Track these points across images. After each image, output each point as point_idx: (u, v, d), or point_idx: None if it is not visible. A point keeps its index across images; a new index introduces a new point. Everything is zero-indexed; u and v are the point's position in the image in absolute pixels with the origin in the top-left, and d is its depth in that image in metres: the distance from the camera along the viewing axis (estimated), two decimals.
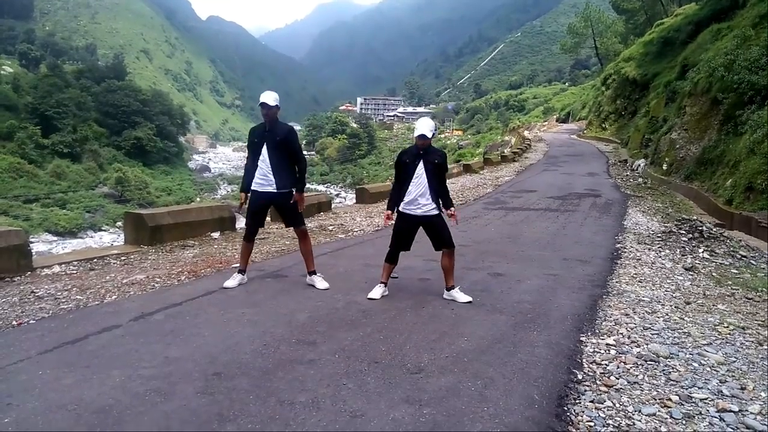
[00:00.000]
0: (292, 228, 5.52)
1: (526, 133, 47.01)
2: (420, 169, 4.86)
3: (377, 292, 5.02)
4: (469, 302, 4.91)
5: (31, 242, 6.42)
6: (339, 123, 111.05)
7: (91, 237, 48.50)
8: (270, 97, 5.08)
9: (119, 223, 49.05)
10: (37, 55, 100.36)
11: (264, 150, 5.16)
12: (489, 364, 3.58)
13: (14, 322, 4.28)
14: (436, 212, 4.95)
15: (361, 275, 5.86)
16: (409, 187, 4.89)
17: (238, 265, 5.60)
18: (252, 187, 5.29)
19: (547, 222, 10.01)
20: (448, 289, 5.05)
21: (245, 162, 5.44)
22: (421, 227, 5.02)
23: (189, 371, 3.35)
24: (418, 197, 4.87)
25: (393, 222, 5.09)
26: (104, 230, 51.47)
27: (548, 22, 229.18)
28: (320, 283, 5.36)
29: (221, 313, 4.48)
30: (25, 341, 3.82)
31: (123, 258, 7.01)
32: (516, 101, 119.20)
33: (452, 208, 5.07)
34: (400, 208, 5.00)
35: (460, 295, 4.99)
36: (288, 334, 4.05)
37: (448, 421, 2.82)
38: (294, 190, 5.27)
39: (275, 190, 5.20)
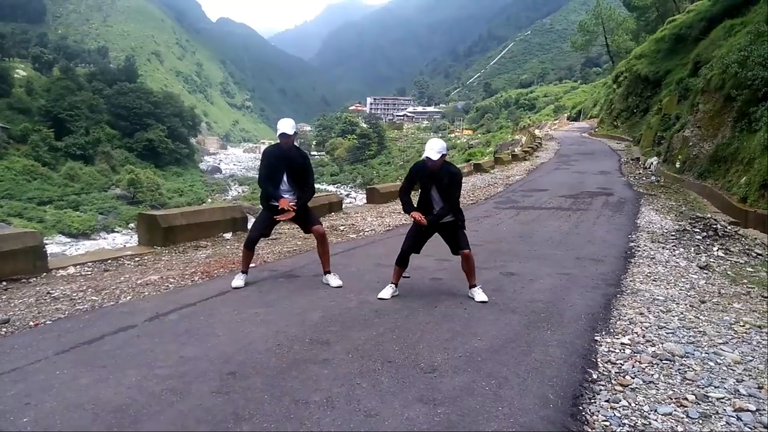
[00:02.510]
0: (312, 232, 5.59)
1: (536, 131, 46.84)
2: (433, 191, 4.95)
3: (387, 292, 5.04)
4: (484, 302, 4.92)
5: (45, 244, 6.48)
6: (349, 123, 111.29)
7: (104, 238, 48.97)
8: (288, 126, 5.25)
9: (132, 225, 49.40)
10: (50, 59, 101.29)
11: (284, 175, 5.36)
12: (503, 363, 3.57)
13: (31, 323, 4.33)
14: (451, 218, 5.00)
15: (373, 275, 5.86)
16: (425, 202, 4.99)
17: (252, 265, 5.66)
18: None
19: (559, 221, 9.96)
20: (471, 288, 5.12)
21: (263, 178, 5.49)
22: (436, 233, 5.08)
23: (204, 371, 3.37)
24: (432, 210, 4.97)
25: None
26: (117, 231, 51.95)
27: (558, 20, 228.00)
28: (334, 280, 5.45)
29: (235, 313, 4.51)
30: (42, 341, 3.87)
31: (137, 259, 7.06)
32: (526, 100, 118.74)
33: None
34: None
35: (479, 295, 5.01)
36: (301, 333, 4.06)
37: (463, 420, 2.82)
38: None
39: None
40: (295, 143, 5.48)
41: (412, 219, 4.92)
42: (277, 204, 5.28)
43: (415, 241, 5.06)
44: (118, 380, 3.22)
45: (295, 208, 5.30)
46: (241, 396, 3.04)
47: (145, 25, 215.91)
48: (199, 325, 4.22)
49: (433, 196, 4.94)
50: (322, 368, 3.44)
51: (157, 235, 7.74)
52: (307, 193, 5.50)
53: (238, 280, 5.38)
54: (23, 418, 2.78)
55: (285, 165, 5.36)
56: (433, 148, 4.78)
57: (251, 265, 5.69)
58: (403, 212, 5.34)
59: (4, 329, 4.22)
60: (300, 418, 2.80)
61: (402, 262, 5.09)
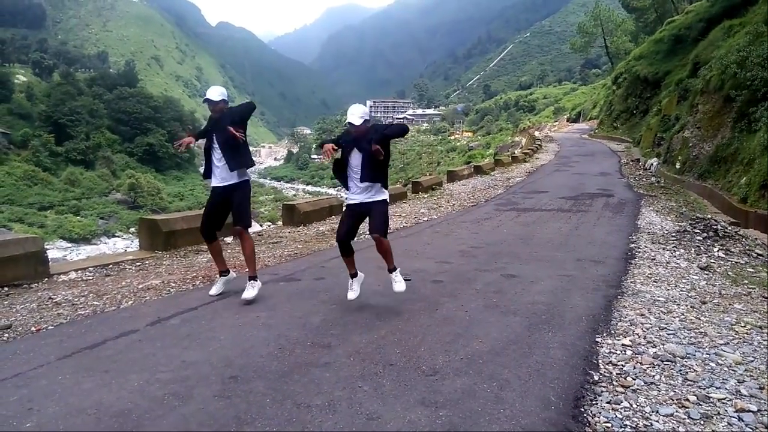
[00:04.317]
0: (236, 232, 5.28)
1: (536, 133, 46.83)
2: (353, 157, 4.70)
3: (354, 289, 4.88)
4: (401, 291, 4.80)
5: (47, 249, 6.48)
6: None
7: (105, 243, 49.05)
8: (215, 92, 5.04)
9: (132, 229, 49.52)
10: (50, 64, 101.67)
11: (215, 142, 5.04)
12: (504, 365, 3.58)
13: (33, 328, 4.34)
14: (381, 198, 4.77)
15: (374, 278, 5.86)
16: (340, 167, 4.81)
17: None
18: (213, 183, 5.18)
19: (560, 222, 9.96)
20: (389, 272, 4.90)
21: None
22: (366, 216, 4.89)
23: (206, 375, 3.38)
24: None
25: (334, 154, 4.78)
26: (118, 236, 52.04)
27: (557, 22, 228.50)
28: (248, 291, 5.02)
29: (236, 317, 4.52)
30: (44, 347, 3.88)
31: (138, 263, 7.07)
32: (526, 102, 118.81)
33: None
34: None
35: (396, 282, 4.82)
36: (303, 337, 4.07)
37: (465, 422, 2.83)
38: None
39: (223, 184, 5.08)
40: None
41: (326, 152, 4.63)
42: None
43: (348, 225, 4.84)
44: (121, 385, 3.23)
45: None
46: (243, 400, 3.05)
47: (144, 30, 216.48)
48: (201, 329, 4.23)
49: (351, 162, 4.69)
50: (323, 371, 3.44)
51: (158, 240, 7.75)
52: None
53: (218, 286, 5.20)
54: (26, 424, 2.79)
55: (215, 134, 5.04)
56: (355, 114, 4.55)
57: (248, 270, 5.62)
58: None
59: (6, 335, 4.23)
60: (302, 422, 2.81)
61: (345, 251, 4.88)
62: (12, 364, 3.55)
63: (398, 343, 3.95)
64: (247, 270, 5.17)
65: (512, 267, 6.54)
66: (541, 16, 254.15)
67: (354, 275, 4.94)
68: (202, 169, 5.46)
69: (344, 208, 4.95)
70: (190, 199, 67.73)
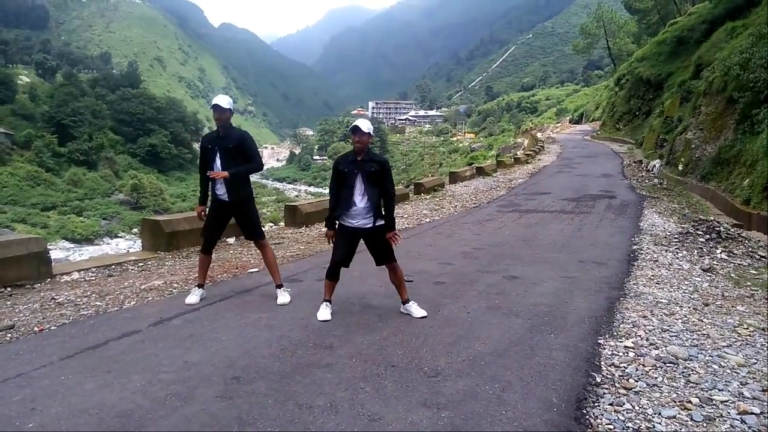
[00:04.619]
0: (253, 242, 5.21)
1: (539, 134, 46.83)
2: (357, 181, 4.47)
3: (326, 312, 4.55)
4: (424, 317, 4.56)
5: (49, 249, 6.50)
6: None
7: (108, 244, 49.12)
8: (223, 100, 4.84)
9: (135, 230, 49.66)
10: (53, 65, 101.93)
11: (217, 158, 4.86)
12: (506, 367, 3.58)
13: (36, 329, 4.35)
14: (380, 223, 4.55)
15: (376, 279, 5.86)
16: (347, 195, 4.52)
17: (254, 270, 5.62)
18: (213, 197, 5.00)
19: (562, 224, 9.95)
20: (404, 303, 4.70)
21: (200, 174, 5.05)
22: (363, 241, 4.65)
23: (208, 375, 3.38)
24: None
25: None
26: (120, 237, 52.12)
27: (560, 23, 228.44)
28: (282, 297, 5.01)
29: (238, 318, 4.52)
30: (47, 347, 3.89)
31: (140, 264, 7.08)
32: (528, 103, 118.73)
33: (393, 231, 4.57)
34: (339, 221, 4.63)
35: (415, 310, 4.64)
36: (305, 338, 4.07)
37: (467, 424, 2.82)
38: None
39: (229, 199, 4.92)
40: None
41: (328, 238, 4.60)
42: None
43: (341, 249, 4.59)
44: (123, 385, 3.23)
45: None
46: (245, 401, 3.05)
47: (147, 31, 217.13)
48: (203, 330, 4.24)
49: (357, 186, 4.46)
50: (325, 373, 3.44)
51: (161, 240, 7.77)
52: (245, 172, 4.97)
53: (194, 296, 4.99)
54: (29, 424, 2.79)
55: (218, 148, 4.86)
56: (364, 124, 4.42)
57: (253, 270, 5.65)
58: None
59: (9, 335, 4.24)
60: (304, 423, 2.81)
61: (333, 275, 4.65)
62: (15, 364, 3.56)
63: (400, 345, 3.95)
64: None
65: (514, 268, 6.54)
66: (544, 18, 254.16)
67: (330, 301, 4.67)
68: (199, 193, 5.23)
69: (339, 230, 4.63)
70: (193, 199, 67.61)
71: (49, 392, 3.14)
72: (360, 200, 4.47)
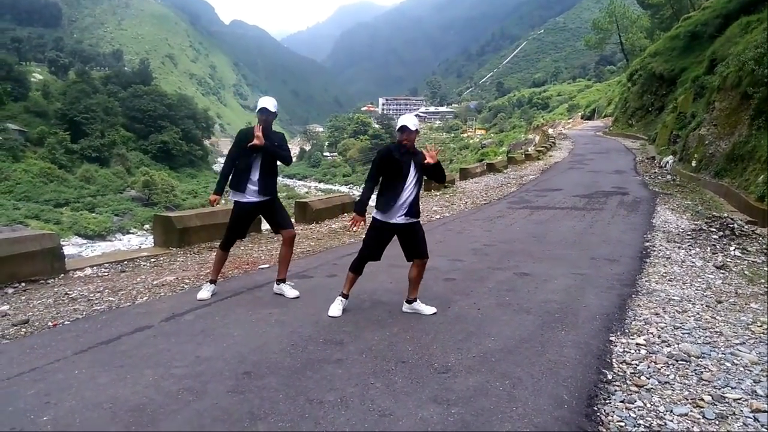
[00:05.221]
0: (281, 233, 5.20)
1: (550, 130, 46.56)
2: (411, 174, 4.43)
3: (337, 308, 4.54)
4: (434, 313, 4.56)
5: (62, 245, 6.56)
6: (361, 124, 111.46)
7: (120, 240, 49.42)
8: (270, 103, 4.90)
9: (147, 226, 49.94)
10: (66, 62, 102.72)
11: (257, 158, 4.89)
12: (517, 364, 3.57)
13: (50, 323, 4.40)
14: (416, 219, 4.55)
15: (386, 275, 5.88)
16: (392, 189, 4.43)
17: (265, 266, 5.64)
18: (237, 198, 5.00)
19: (574, 221, 9.90)
20: (409, 302, 4.63)
21: (228, 161, 5.04)
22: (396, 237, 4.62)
23: (220, 370, 3.40)
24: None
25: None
26: (132, 233, 52.41)
27: (572, 18, 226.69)
28: (289, 291, 5.09)
29: (249, 314, 4.55)
30: (60, 342, 3.93)
31: (152, 260, 7.13)
32: (539, 99, 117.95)
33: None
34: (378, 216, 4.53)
35: (423, 308, 4.61)
36: (315, 333, 4.09)
37: (477, 420, 2.83)
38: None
39: (259, 199, 4.97)
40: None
41: (354, 223, 4.46)
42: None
43: (376, 245, 4.57)
44: (136, 380, 3.26)
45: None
46: (256, 395, 3.07)
47: (159, 29, 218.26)
48: (215, 325, 4.26)
49: (410, 175, 4.40)
50: (336, 368, 3.46)
51: (173, 237, 7.81)
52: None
53: (206, 292, 5.03)
54: (43, 417, 2.83)
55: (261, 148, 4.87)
56: (411, 120, 4.38)
57: (264, 266, 5.67)
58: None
59: (24, 329, 4.29)
60: (315, 418, 2.82)
61: (358, 269, 4.64)
62: (29, 359, 3.61)
63: (410, 341, 3.96)
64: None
65: (525, 265, 6.52)
66: (555, 13, 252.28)
67: (347, 297, 4.66)
68: (214, 183, 5.32)
69: (375, 226, 4.55)
70: (204, 196, 67.88)
71: (63, 386, 3.18)
72: (408, 192, 4.42)
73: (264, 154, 4.88)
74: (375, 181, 4.51)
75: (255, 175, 4.91)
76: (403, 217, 4.44)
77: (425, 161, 4.39)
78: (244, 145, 4.85)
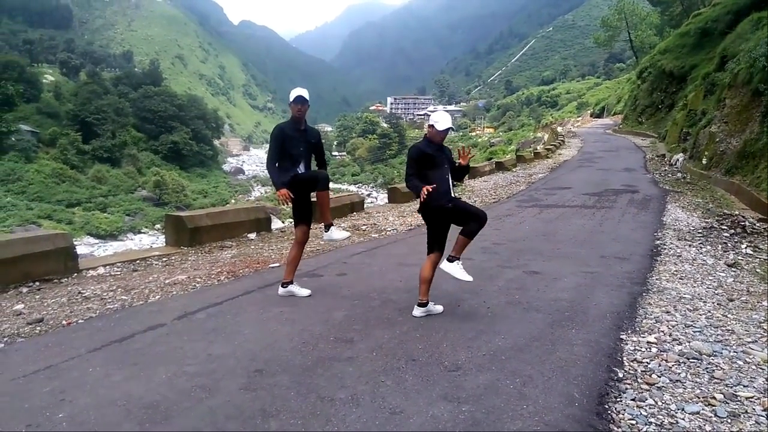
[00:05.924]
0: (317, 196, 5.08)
1: (559, 129, 46.37)
2: (446, 170, 4.53)
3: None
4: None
5: (75, 245, 6.64)
6: (369, 123, 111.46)
7: (131, 239, 49.82)
8: (306, 92, 4.98)
9: (158, 226, 50.31)
10: (77, 64, 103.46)
11: (301, 150, 4.93)
12: (527, 362, 3.57)
13: (64, 322, 4.45)
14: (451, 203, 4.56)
15: (396, 274, 5.89)
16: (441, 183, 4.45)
17: (276, 265, 5.66)
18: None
19: (583, 219, 9.87)
20: (454, 260, 4.57)
21: (272, 160, 4.95)
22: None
23: (232, 368, 3.43)
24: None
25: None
26: (143, 232, 52.81)
27: (580, 16, 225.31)
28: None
29: (260, 312, 4.58)
30: (74, 340, 3.98)
31: (164, 259, 7.19)
32: (548, 97, 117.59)
33: None
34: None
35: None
36: (326, 332, 4.11)
37: (488, 418, 2.83)
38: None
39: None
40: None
41: (423, 194, 4.27)
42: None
43: (438, 234, 4.69)
44: (149, 377, 3.30)
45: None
46: (268, 393, 3.09)
47: (168, 29, 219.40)
48: (226, 323, 4.30)
49: (445, 168, 4.51)
50: (346, 366, 3.48)
51: (184, 236, 7.88)
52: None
53: (302, 291, 5.06)
54: (59, 414, 2.87)
55: (302, 141, 4.94)
56: (446, 120, 4.44)
57: (274, 265, 5.67)
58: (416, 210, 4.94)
59: (39, 328, 4.35)
60: (326, 415, 2.84)
61: (441, 245, 4.73)
62: (44, 356, 3.66)
63: (420, 339, 3.97)
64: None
65: (535, 264, 6.51)
66: (564, 11, 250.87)
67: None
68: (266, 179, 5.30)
69: (431, 215, 4.64)
70: (214, 196, 68.47)
71: (78, 383, 3.22)
72: (447, 182, 4.51)
73: (307, 153, 4.99)
74: (412, 175, 4.52)
75: (301, 169, 4.96)
76: (443, 202, 4.49)
77: (459, 162, 4.56)
78: (290, 138, 4.92)
